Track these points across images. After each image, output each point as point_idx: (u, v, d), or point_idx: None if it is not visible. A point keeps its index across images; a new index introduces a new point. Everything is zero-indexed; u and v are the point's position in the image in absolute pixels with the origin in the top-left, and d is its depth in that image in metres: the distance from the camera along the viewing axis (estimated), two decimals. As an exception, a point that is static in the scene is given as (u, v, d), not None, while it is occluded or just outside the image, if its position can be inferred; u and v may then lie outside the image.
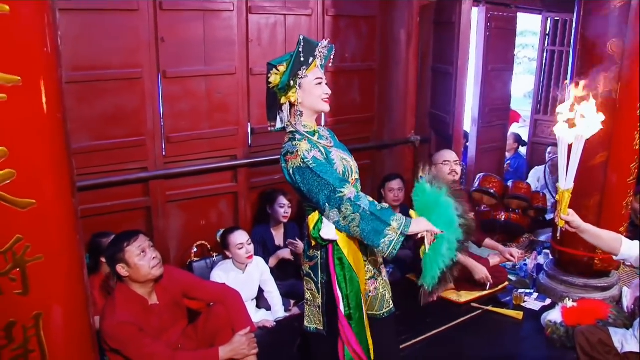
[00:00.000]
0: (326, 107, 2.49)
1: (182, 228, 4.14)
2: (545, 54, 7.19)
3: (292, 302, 4.06)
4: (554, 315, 3.72)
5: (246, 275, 3.75)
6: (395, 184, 4.56)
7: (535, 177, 6.48)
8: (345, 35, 4.81)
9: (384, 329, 2.67)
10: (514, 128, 8.81)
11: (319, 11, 4.58)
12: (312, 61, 2.43)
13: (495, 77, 6.13)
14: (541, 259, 4.65)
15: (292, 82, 2.38)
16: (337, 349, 2.51)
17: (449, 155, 4.18)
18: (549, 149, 6.43)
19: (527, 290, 4.28)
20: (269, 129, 2.56)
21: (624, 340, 2.88)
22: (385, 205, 2.40)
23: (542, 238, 5.31)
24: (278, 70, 2.40)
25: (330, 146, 2.54)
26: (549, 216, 5.48)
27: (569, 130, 2.41)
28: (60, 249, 1.90)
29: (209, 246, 4.12)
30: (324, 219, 2.40)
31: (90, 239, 3.32)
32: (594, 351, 2.90)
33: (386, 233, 2.26)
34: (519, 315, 3.95)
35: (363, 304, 2.52)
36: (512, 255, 4.24)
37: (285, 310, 3.94)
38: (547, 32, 7.07)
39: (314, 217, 2.45)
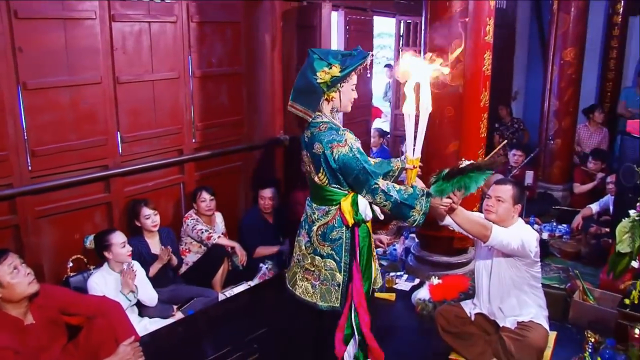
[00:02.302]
0: (349, 109, 2.87)
1: (55, 243, 3.98)
2: (400, 54, 7.67)
3: (175, 307, 4.07)
4: (423, 294, 4.08)
5: (124, 277, 3.74)
6: (268, 192, 4.76)
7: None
8: (211, 41, 4.87)
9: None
10: (377, 123, 9.34)
11: (183, 18, 4.58)
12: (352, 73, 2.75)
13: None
14: (408, 243, 5.01)
15: (339, 84, 2.71)
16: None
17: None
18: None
19: (398, 273, 4.61)
20: (289, 109, 2.83)
21: (472, 307, 3.26)
22: (410, 189, 2.68)
23: (408, 224, 5.69)
24: (330, 69, 2.66)
25: None
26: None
27: (413, 106, 2.71)
28: None
29: (85, 260, 4.01)
30: (359, 202, 2.71)
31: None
32: (452, 326, 3.24)
33: (412, 214, 2.65)
34: (391, 296, 4.25)
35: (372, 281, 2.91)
36: (381, 242, 4.55)
37: (168, 316, 3.95)
38: (401, 34, 7.56)
39: (348, 201, 2.73)
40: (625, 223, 2.51)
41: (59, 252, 3.99)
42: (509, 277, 3.06)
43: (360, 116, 6.67)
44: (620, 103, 7.50)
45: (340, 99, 2.78)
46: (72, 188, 4.01)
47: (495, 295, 3.12)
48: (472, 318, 3.23)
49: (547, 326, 3.11)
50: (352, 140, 2.71)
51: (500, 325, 3.13)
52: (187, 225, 4.52)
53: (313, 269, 2.85)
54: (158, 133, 4.54)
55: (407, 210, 2.64)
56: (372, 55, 2.84)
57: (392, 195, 2.63)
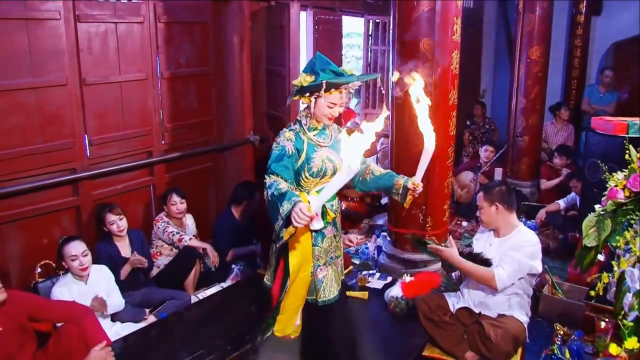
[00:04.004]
0: (327, 122, 2.88)
1: (22, 249, 3.90)
2: (369, 53, 7.72)
3: (147, 310, 4.02)
4: (395, 291, 4.11)
5: (89, 286, 3.65)
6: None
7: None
8: (179, 42, 4.83)
9: (327, 314, 3.00)
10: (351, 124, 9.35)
11: (151, 18, 4.53)
12: (333, 91, 2.73)
13: (326, 76, 6.47)
14: (380, 241, 5.04)
15: (307, 94, 2.76)
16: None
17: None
18: (381, 140, 6.91)
19: (370, 272, 4.63)
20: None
21: (455, 301, 3.31)
22: (284, 191, 2.51)
23: (380, 222, 5.73)
24: (306, 77, 2.73)
25: (323, 145, 2.86)
26: (383, 201, 5.94)
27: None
28: None
29: (54, 265, 3.93)
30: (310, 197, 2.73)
31: None
32: (433, 314, 3.30)
33: (276, 216, 2.49)
34: (364, 295, 4.27)
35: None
36: (350, 241, 4.56)
37: (141, 320, 3.91)
38: (370, 33, 7.60)
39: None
40: (591, 217, 2.56)
41: (27, 257, 3.91)
42: (514, 286, 3.12)
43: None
44: (584, 100, 7.65)
45: (315, 109, 2.81)
46: (39, 192, 3.93)
47: (490, 294, 3.17)
48: (454, 311, 3.28)
49: (525, 328, 3.18)
50: (283, 139, 2.79)
51: (482, 314, 3.20)
52: (158, 228, 4.47)
53: None
54: (127, 135, 4.48)
55: (275, 211, 2.49)
56: (326, 83, 2.71)
57: (268, 192, 2.57)
